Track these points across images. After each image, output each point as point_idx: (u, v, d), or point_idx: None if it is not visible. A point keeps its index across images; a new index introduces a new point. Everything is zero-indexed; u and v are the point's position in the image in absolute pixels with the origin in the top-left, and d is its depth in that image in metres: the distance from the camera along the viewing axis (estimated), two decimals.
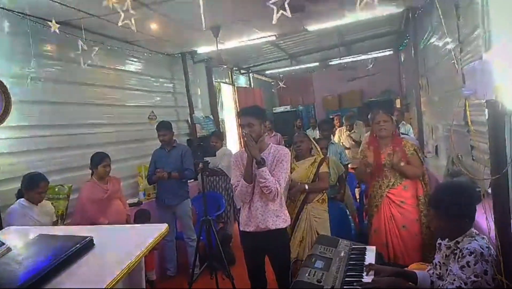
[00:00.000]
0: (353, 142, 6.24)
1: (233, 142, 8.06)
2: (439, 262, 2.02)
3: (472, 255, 1.76)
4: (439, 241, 2.08)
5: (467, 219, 1.89)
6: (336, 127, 7.04)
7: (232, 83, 8.35)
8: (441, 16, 2.60)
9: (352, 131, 6.43)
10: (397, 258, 3.08)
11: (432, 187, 3.20)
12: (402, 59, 8.70)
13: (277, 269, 2.77)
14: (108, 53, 4.49)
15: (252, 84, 9.64)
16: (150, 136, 4.84)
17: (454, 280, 1.78)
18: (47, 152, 3.65)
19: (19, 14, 3.33)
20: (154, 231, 1.31)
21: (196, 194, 5.13)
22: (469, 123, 2.41)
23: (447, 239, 1.98)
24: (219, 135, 5.37)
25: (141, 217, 3.92)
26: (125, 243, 1.30)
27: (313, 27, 5.32)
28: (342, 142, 6.28)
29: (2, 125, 3.10)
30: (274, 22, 2.27)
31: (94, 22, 3.83)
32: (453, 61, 3.07)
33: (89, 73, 3.97)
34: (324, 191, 3.35)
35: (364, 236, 3.56)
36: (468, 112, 2.29)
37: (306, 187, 3.24)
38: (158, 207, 4.30)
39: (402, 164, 3.05)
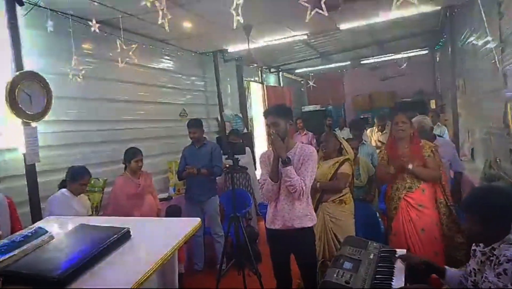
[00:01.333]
0: (380, 144, 6.08)
1: (261, 140, 8.08)
2: (473, 268, 1.95)
3: (510, 263, 1.69)
4: (473, 247, 2.01)
5: (504, 225, 1.82)
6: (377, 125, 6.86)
7: (262, 82, 8.38)
8: (483, 14, 2.51)
9: (384, 132, 6.28)
10: None
11: (468, 191, 3.10)
12: (438, 59, 8.44)
13: (302, 268, 2.76)
14: (142, 52, 4.60)
15: (281, 83, 9.62)
16: (181, 133, 4.93)
17: (490, 287, 1.72)
18: (83, 146, 3.81)
19: (61, 14, 3.48)
20: (188, 224, 1.35)
21: (224, 191, 5.18)
22: (510, 125, 2.33)
23: (482, 245, 1.92)
24: (238, 134, 5.41)
25: (173, 213, 4.01)
26: (160, 235, 1.34)
27: (346, 25, 5.25)
28: (376, 142, 6.14)
29: (43, 119, 3.25)
30: (307, 20, 2.26)
31: (129, 21, 3.95)
32: (493, 61, 2.96)
33: (124, 71, 4.10)
34: (343, 192, 3.24)
35: None
36: (509, 114, 2.21)
37: (318, 185, 3.18)
38: (187, 202, 4.38)
39: (410, 166, 3.00)
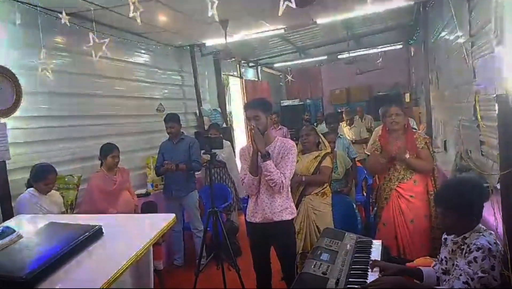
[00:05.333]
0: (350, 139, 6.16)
1: (240, 134, 8.07)
2: (445, 257, 2.01)
3: (480, 251, 1.75)
4: (444, 236, 2.08)
5: (474, 216, 1.88)
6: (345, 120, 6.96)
7: (240, 76, 8.35)
8: (453, 10, 2.57)
9: (353, 126, 6.37)
10: (405, 252, 3.08)
11: (440, 182, 3.18)
12: (412, 53, 8.61)
13: (282, 261, 2.79)
14: (117, 45, 4.51)
15: (260, 77, 9.62)
16: (158, 128, 4.87)
17: (461, 275, 1.78)
18: (57, 142, 3.70)
19: (30, 6, 3.36)
20: (162, 220, 1.33)
21: (204, 186, 5.16)
22: (479, 118, 2.40)
23: (453, 235, 1.98)
24: (218, 128, 5.38)
25: (148, 209, 3.94)
26: (133, 232, 1.32)
27: (322, 19, 5.28)
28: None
29: (13, 115, 3.14)
30: (280, 14, 2.26)
31: (103, 13, 3.84)
32: (463, 55, 3.04)
33: (98, 65, 4.00)
34: (325, 185, 3.34)
35: (370, 230, 3.56)
36: (478, 107, 2.28)
37: (303, 178, 3.25)
38: (166, 198, 4.34)
39: (407, 156, 3.03)
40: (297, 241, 3.17)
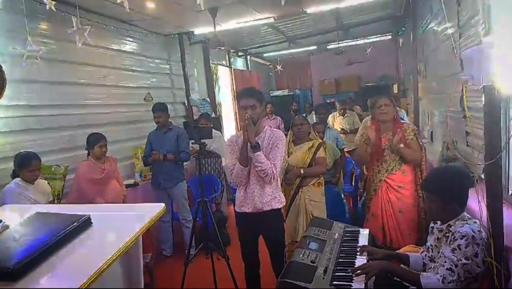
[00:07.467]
0: (343, 128, 6.18)
1: (229, 124, 8.05)
2: (431, 244, 2.06)
3: (464, 238, 1.79)
4: (431, 224, 2.12)
5: (459, 203, 1.93)
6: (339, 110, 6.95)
7: (229, 66, 8.28)
8: (442, 1, 2.58)
9: (346, 116, 6.40)
10: (392, 242, 3.12)
11: (427, 172, 3.23)
12: (401, 44, 8.66)
13: (271, 250, 2.81)
14: (104, 33, 4.42)
15: (249, 67, 9.56)
16: (146, 117, 4.82)
17: (445, 262, 1.82)
18: (43, 132, 3.63)
19: None
20: (152, 210, 1.32)
21: (193, 176, 5.14)
22: (466, 109, 2.43)
23: (439, 222, 2.02)
24: (208, 118, 5.35)
25: None
26: (122, 221, 1.31)
27: (312, 9, 5.25)
28: (338, 127, 6.26)
29: None
30: (282, 3, 2.22)
31: (90, 0, 3.76)
32: (452, 46, 3.06)
33: (84, 52, 3.91)
34: (320, 175, 3.38)
35: (358, 219, 3.61)
36: (464, 98, 2.31)
37: (302, 171, 3.27)
38: (154, 188, 4.31)
39: (401, 145, 3.04)
40: (294, 231, 3.19)
